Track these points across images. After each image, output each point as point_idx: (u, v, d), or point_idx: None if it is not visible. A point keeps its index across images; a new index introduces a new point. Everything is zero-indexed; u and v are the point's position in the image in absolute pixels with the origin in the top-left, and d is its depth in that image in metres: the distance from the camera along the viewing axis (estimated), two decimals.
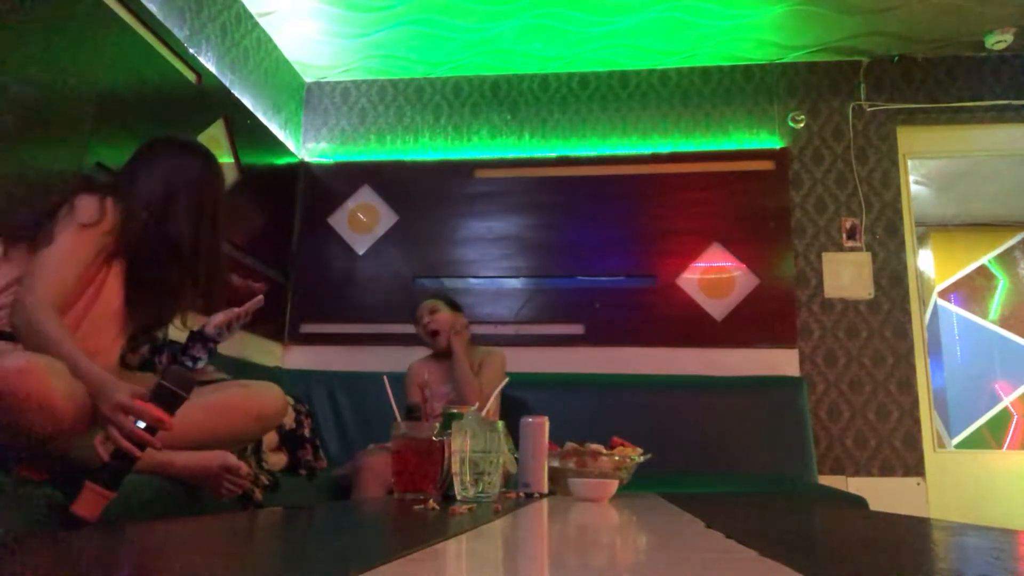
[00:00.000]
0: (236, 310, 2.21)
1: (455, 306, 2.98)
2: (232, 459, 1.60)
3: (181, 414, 1.56)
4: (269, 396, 1.75)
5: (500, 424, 1.61)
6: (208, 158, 1.77)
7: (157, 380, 1.28)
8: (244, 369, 3.07)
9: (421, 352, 3.05)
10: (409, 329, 3.61)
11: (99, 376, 1.30)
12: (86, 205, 1.52)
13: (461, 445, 1.55)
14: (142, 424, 1.24)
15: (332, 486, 2.60)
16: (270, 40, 3.60)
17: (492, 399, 1.99)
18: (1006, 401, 4.77)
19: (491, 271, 3.70)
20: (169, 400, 1.26)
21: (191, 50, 2.88)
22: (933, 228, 5.08)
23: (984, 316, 4.96)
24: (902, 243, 3.54)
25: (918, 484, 3.31)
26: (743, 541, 0.83)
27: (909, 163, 3.71)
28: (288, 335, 3.70)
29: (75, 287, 1.50)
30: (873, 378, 3.43)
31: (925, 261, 5.05)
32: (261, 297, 2.24)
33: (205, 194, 1.72)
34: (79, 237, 1.50)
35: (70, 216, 1.50)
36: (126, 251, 1.59)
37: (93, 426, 1.28)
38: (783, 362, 3.45)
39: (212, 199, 1.73)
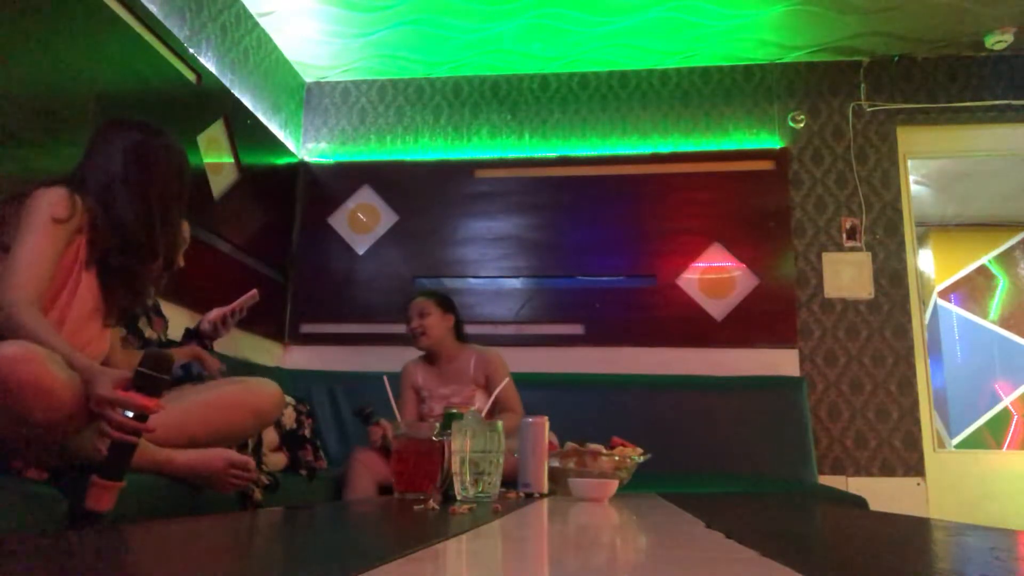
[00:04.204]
0: (230, 306, 2.22)
1: (447, 306, 2.85)
2: (236, 454, 1.60)
3: (179, 412, 1.56)
4: (265, 392, 1.75)
5: (499, 424, 1.61)
6: (153, 133, 1.70)
7: (135, 367, 1.28)
8: (244, 369, 3.07)
9: (416, 352, 3.02)
10: None
11: (87, 365, 1.31)
12: (57, 200, 1.50)
13: (461, 445, 1.55)
14: (130, 413, 1.25)
15: (332, 486, 2.60)
16: (270, 40, 3.60)
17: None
18: (1006, 401, 4.77)
19: (491, 271, 3.70)
20: (151, 384, 1.27)
21: (191, 50, 2.88)
22: (933, 228, 5.08)
23: (984, 316, 4.96)
24: (902, 243, 3.54)
25: (918, 484, 3.31)
26: (743, 541, 0.83)
27: (909, 163, 3.71)
28: (288, 335, 3.70)
29: (51, 283, 1.48)
30: (873, 378, 3.43)
31: (925, 261, 5.05)
32: (255, 292, 2.24)
33: (153, 172, 1.65)
34: (51, 232, 1.47)
35: (38, 212, 1.47)
36: (97, 244, 1.57)
37: (91, 420, 1.29)
38: (783, 362, 3.45)
39: (160, 176, 1.66)
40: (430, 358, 2.86)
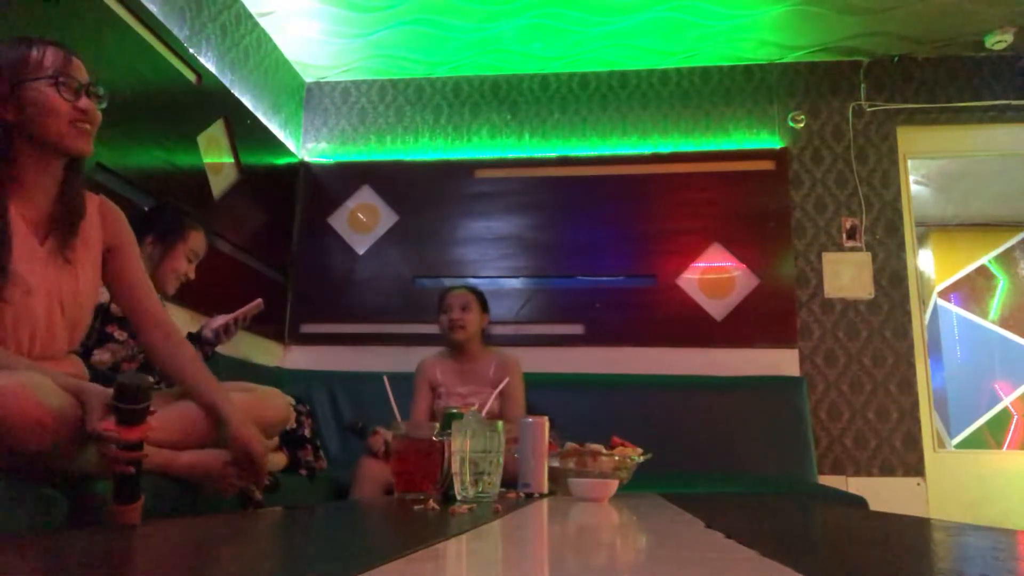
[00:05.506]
0: (233, 314, 2.21)
1: (485, 306, 2.87)
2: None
3: (184, 416, 1.55)
4: (273, 403, 1.72)
5: (500, 424, 1.61)
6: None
7: (112, 402, 1.21)
8: (244, 369, 3.07)
9: (425, 351, 3.01)
10: (409, 329, 3.62)
11: (79, 388, 1.25)
12: None
13: (461, 445, 1.55)
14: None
15: (332, 486, 2.60)
16: (270, 40, 3.60)
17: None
18: (1006, 401, 4.77)
19: (491, 271, 3.70)
20: (131, 416, 1.21)
21: (191, 50, 2.88)
22: (933, 228, 5.08)
23: (984, 316, 4.96)
24: (902, 243, 3.54)
25: (918, 484, 3.30)
26: (743, 541, 0.83)
27: (909, 163, 3.71)
28: (288, 335, 3.70)
29: None
30: (873, 378, 3.43)
31: (925, 261, 5.04)
32: (260, 301, 2.23)
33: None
34: None
35: None
36: None
37: (87, 444, 1.24)
38: (783, 362, 3.45)
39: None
40: (452, 355, 2.83)
